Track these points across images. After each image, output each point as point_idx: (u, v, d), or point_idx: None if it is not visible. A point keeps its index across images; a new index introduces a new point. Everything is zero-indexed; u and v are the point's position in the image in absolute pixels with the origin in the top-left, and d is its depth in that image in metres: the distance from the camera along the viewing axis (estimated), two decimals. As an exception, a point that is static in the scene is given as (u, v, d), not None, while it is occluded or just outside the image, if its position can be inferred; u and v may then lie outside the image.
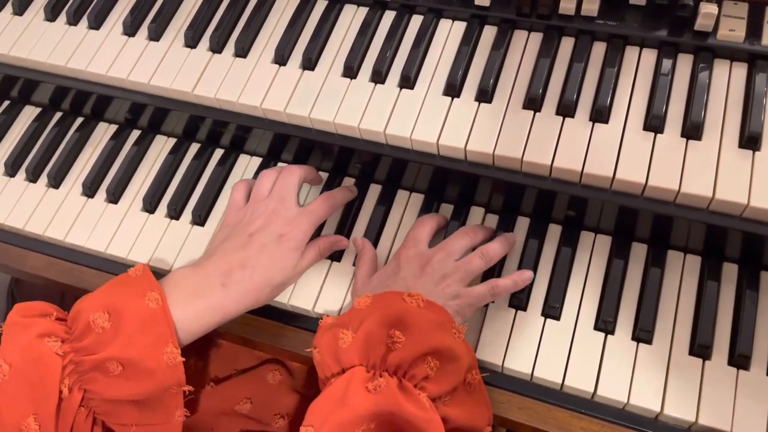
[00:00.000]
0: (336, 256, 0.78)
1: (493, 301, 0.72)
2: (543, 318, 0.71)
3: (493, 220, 0.77)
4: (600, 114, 0.69)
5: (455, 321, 0.64)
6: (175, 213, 0.82)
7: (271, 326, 0.76)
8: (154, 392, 0.61)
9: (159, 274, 0.68)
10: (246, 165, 0.85)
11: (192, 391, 0.65)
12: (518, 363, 0.69)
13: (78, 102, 0.90)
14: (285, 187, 0.74)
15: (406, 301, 0.63)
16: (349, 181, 0.83)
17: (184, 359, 0.62)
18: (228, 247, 0.70)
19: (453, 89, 0.73)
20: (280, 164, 0.85)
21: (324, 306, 0.75)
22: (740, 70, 0.69)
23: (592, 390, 0.67)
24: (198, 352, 0.88)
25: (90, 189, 0.85)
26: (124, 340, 0.61)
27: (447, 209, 0.79)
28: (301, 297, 0.75)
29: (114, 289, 0.65)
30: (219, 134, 0.85)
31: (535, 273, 0.73)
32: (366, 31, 0.78)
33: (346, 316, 0.64)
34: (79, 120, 0.91)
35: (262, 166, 0.85)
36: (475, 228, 0.74)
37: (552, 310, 0.71)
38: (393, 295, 0.64)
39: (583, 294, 0.72)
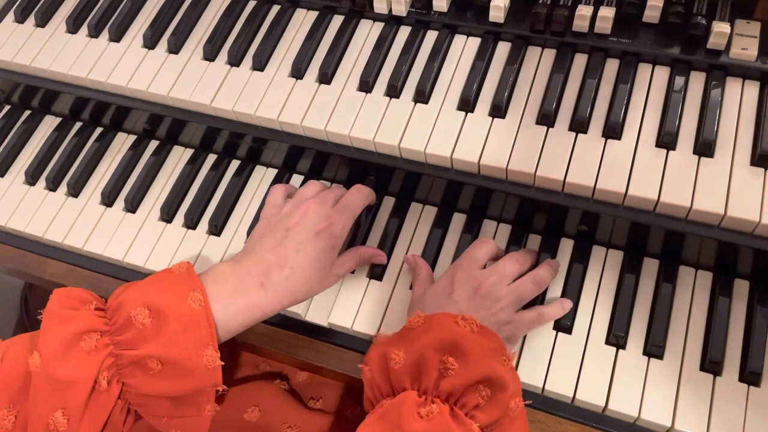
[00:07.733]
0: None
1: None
2: (555, 332, 0.71)
3: (505, 233, 0.78)
4: (613, 130, 0.69)
5: (505, 347, 0.62)
6: (191, 223, 0.83)
7: (287, 336, 0.77)
8: (190, 392, 0.62)
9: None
10: (262, 176, 0.86)
11: (225, 389, 0.64)
12: (530, 376, 0.69)
13: (98, 112, 0.92)
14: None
15: (459, 324, 0.61)
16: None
17: (223, 363, 0.62)
18: (266, 243, 0.70)
19: (467, 104, 0.74)
20: (295, 176, 0.86)
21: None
22: (752, 89, 0.70)
23: (603, 404, 0.67)
24: None
25: (108, 198, 0.86)
26: (165, 339, 0.60)
27: (459, 222, 0.80)
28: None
29: (157, 284, 0.65)
30: (235, 146, 0.86)
31: (546, 287, 0.74)
32: (381, 46, 0.79)
33: (399, 336, 0.63)
34: (99, 130, 0.93)
35: (278, 178, 0.86)
36: (525, 253, 0.74)
37: (564, 323, 0.71)
38: (446, 317, 0.62)
39: (594, 308, 0.72)
